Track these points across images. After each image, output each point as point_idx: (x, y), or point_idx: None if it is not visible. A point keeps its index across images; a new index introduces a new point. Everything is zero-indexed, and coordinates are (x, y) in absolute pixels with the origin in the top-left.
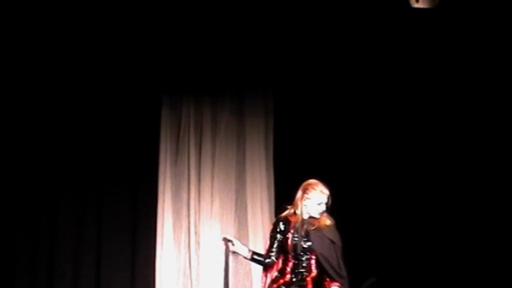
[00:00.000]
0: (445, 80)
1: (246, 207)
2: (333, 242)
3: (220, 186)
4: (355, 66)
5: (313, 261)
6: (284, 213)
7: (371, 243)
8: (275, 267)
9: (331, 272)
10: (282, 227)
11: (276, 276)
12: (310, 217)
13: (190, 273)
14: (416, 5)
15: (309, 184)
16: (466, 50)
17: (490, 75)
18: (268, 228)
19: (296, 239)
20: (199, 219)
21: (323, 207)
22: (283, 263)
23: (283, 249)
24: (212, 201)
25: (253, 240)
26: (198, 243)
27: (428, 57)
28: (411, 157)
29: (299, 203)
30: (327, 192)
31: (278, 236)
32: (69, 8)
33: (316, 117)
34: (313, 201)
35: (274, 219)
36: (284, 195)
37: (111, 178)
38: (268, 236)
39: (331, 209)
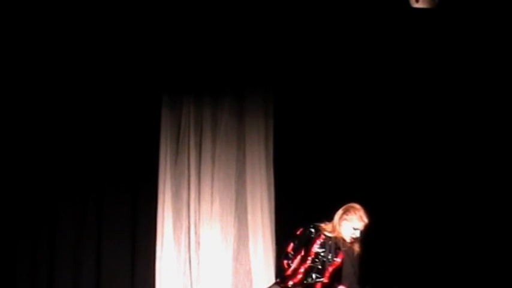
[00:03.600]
0: (445, 80)
1: (246, 207)
2: (353, 267)
3: (220, 186)
4: (355, 66)
5: (328, 270)
6: (320, 224)
7: (370, 245)
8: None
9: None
10: (312, 232)
11: (286, 276)
12: (342, 239)
13: (190, 273)
14: (416, 5)
15: (352, 207)
16: (466, 50)
17: (490, 75)
18: (269, 228)
19: (323, 250)
20: (199, 219)
21: (357, 234)
22: (299, 263)
23: (305, 250)
24: (212, 201)
25: (253, 240)
26: (198, 243)
27: (428, 57)
28: (412, 156)
29: (338, 221)
30: (366, 220)
31: (303, 239)
32: (69, 8)
33: (316, 117)
34: (350, 224)
35: (307, 225)
36: (284, 195)
37: (111, 178)
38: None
39: None
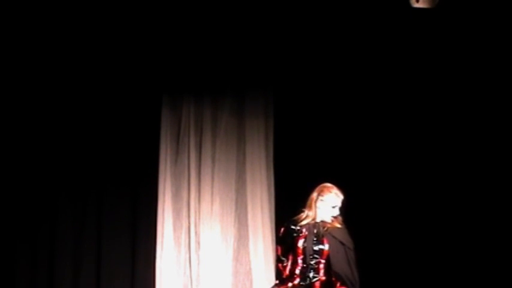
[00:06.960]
0: (445, 80)
1: (246, 207)
2: (343, 243)
3: (220, 186)
4: (356, 66)
5: (322, 265)
6: (296, 217)
7: (369, 244)
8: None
9: (342, 276)
10: (293, 229)
11: (285, 278)
12: (322, 221)
13: (190, 273)
14: (416, 5)
15: (325, 186)
16: (466, 50)
17: (490, 75)
18: (269, 228)
19: (307, 242)
20: (199, 219)
21: (337, 211)
22: (292, 266)
23: (292, 252)
24: (212, 201)
25: (253, 240)
26: (198, 243)
27: (428, 57)
28: (412, 157)
29: (313, 204)
30: (341, 196)
31: (289, 239)
32: (69, 8)
33: (316, 117)
34: (328, 203)
35: (286, 222)
36: (284, 195)
37: (111, 178)
38: (276, 238)
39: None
